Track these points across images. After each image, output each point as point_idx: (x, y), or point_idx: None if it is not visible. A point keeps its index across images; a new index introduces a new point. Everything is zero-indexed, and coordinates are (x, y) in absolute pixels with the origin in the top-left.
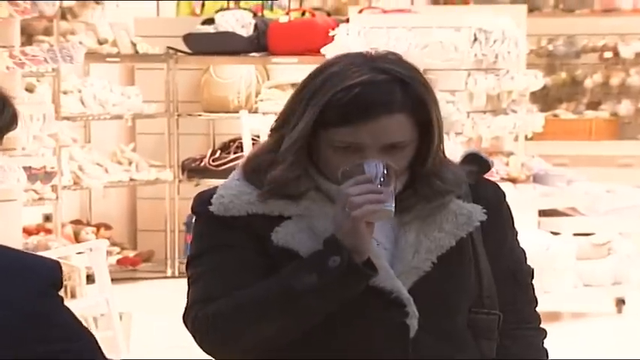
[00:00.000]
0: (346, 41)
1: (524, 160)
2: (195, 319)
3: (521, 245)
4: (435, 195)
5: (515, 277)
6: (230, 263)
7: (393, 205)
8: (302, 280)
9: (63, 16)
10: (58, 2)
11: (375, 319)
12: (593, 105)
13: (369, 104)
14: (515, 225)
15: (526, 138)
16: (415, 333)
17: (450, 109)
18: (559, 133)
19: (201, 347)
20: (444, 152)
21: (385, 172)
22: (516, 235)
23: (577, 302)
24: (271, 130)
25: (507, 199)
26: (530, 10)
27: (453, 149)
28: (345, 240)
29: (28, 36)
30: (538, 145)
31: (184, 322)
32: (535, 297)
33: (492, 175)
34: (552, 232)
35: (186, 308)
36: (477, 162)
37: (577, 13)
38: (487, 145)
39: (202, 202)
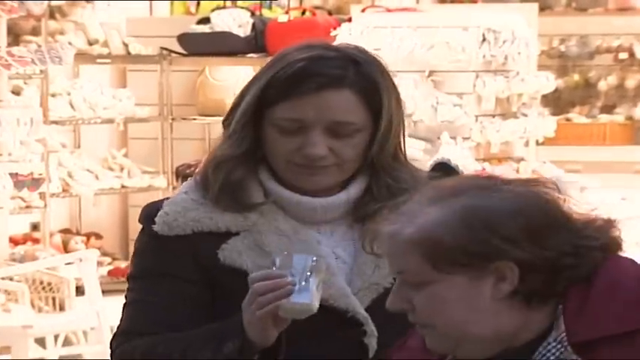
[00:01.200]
0: (348, 41)
1: (535, 167)
2: (114, 353)
3: None
4: (390, 195)
5: None
6: (160, 296)
7: (311, 301)
8: (198, 355)
9: (51, 16)
10: (46, 1)
11: (332, 339)
12: (608, 108)
13: (312, 75)
14: None
15: (537, 143)
16: (375, 352)
17: (457, 113)
18: (572, 138)
19: None
20: (405, 155)
21: (313, 265)
22: None
23: None
24: (223, 122)
25: None
26: (542, 9)
27: (461, 155)
28: (247, 330)
29: (14, 36)
30: (550, 150)
31: (110, 346)
32: None
33: None
34: None
35: (114, 334)
36: (446, 171)
37: (590, 12)
38: (496, 150)
39: (148, 216)
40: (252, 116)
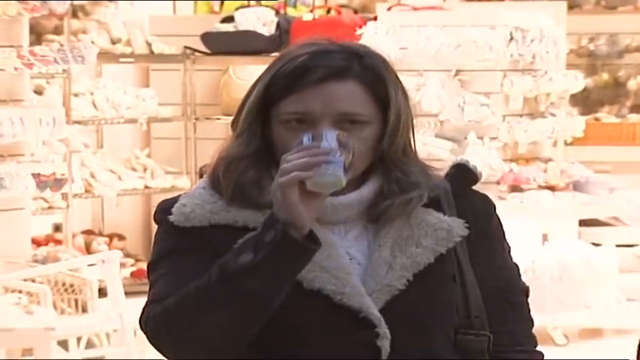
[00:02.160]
0: (374, 40)
1: (564, 167)
2: (148, 320)
3: (515, 261)
4: (400, 190)
5: (505, 295)
6: (187, 266)
7: (337, 175)
8: (238, 260)
9: (74, 14)
10: (69, 0)
11: (344, 340)
12: (637, 108)
13: (315, 67)
14: (509, 238)
15: (565, 143)
16: (388, 355)
17: (484, 113)
18: (601, 138)
19: (158, 350)
20: (415, 152)
21: (339, 143)
22: (509, 250)
23: (620, 318)
24: (231, 124)
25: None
26: (570, 7)
27: (488, 155)
28: (279, 213)
29: (37, 35)
30: (578, 150)
31: (140, 326)
32: (530, 317)
33: (529, 183)
34: (593, 243)
35: (142, 310)
36: (464, 173)
37: (620, 10)
38: (524, 150)
39: (164, 210)
40: (258, 115)
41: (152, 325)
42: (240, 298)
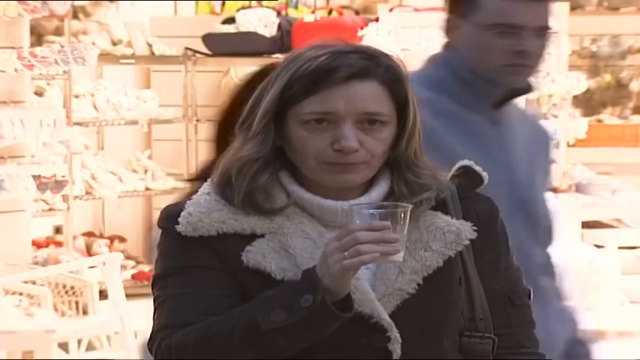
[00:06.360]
0: (376, 41)
1: (566, 169)
2: (159, 349)
3: (516, 264)
4: (410, 192)
5: (510, 298)
6: (197, 287)
7: (402, 257)
8: (269, 317)
9: (75, 15)
10: (69, 0)
11: (355, 345)
12: None
13: (338, 67)
14: (508, 243)
15: (568, 145)
16: (399, 359)
17: None
18: (603, 140)
19: None
20: (422, 156)
21: (402, 215)
22: (512, 253)
23: (623, 320)
24: (239, 127)
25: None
26: (573, 9)
27: None
28: (325, 279)
29: (37, 36)
30: (581, 152)
31: (149, 349)
32: (532, 319)
33: None
34: (596, 245)
35: (151, 334)
36: (469, 175)
37: (622, 11)
38: None
39: (170, 217)
40: (272, 117)
41: (166, 355)
42: (264, 351)
